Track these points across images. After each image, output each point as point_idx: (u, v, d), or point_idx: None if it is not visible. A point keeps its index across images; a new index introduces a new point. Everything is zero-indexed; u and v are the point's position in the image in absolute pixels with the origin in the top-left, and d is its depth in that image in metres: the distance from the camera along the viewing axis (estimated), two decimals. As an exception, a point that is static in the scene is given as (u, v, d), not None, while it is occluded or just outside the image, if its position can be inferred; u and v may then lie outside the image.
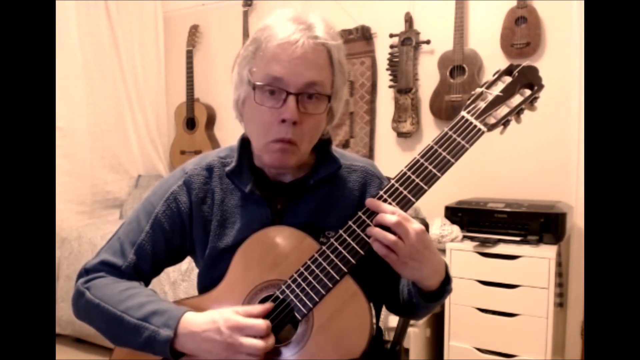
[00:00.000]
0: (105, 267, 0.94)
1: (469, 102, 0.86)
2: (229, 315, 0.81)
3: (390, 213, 0.81)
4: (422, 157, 0.84)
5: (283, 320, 0.85)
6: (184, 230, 0.97)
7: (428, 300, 0.88)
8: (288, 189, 0.96)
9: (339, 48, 0.89)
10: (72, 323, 2.63)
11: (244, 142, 0.98)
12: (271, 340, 0.81)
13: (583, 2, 2.13)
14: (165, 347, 0.82)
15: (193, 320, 0.83)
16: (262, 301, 0.87)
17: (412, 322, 1.96)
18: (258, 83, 0.86)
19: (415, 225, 0.80)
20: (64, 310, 2.66)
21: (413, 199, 0.83)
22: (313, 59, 0.85)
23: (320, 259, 0.84)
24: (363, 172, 1.00)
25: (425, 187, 0.82)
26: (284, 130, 0.85)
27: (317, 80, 0.85)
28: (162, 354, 0.84)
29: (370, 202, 0.84)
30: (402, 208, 0.83)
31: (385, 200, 0.84)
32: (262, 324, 0.80)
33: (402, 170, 0.85)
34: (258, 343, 0.79)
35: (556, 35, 2.31)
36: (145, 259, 0.95)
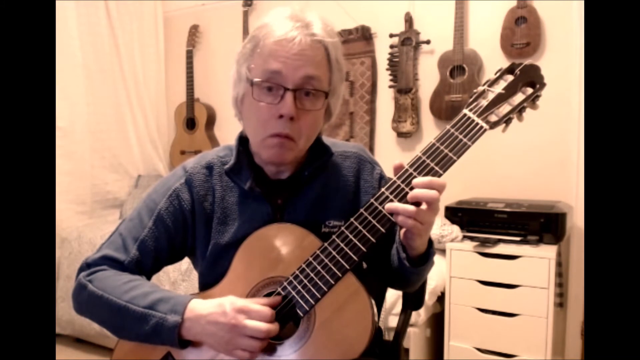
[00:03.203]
0: (107, 262, 0.94)
1: (471, 99, 0.86)
2: (235, 299, 0.83)
3: (423, 186, 0.80)
4: (424, 154, 0.84)
5: (285, 317, 0.85)
6: (186, 227, 0.98)
7: (418, 265, 0.89)
8: (287, 184, 0.97)
9: (336, 46, 0.91)
10: (72, 323, 2.63)
11: (242, 141, 0.99)
12: (275, 326, 0.82)
13: (583, 2, 2.13)
14: (173, 333, 0.83)
15: (199, 305, 0.84)
16: None
17: (412, 322, 1.96)
18: (256, 79, 0.87)
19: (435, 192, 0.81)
20: (64, 310, 2.66)
21: None
22: (310, 55, 0.86)
23: (322, 256, 0.85)
24: (356, 158, 1.02)
25: None
26: (281, 125, 0.87)
27: (314, 75, 0.87)
28: (169, 341, 0.84)
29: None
30: None
31: (387, 197, 0.84)
32: (268, 310, 0.82)
33: (404, 168, 0.85)
34: (262, 325, 0.80)
35: (556, 35, 2.31)
36: (147, 255, 0.95)
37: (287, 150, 0.90)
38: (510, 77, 0.86)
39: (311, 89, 0.88)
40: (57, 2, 2.62)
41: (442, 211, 2.24)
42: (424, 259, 0.90)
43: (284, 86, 0.86)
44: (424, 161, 0.84)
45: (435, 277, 2.12)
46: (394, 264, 0.94)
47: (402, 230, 0.86)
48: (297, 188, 0.96)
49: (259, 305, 0.82)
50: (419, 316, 2.06)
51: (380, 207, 0.84)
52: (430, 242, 0.90)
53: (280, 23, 0.87)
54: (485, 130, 0.83)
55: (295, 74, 0.86)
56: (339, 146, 1.02)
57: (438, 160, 0.83)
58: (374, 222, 0.84)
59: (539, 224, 2.05)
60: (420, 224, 0.81)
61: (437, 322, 2.26)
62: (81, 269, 0.95)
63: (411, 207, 0.80)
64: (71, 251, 2.74)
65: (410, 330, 2.00)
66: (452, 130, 0.84)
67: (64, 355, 2.62)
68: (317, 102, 0.89)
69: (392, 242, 0.98)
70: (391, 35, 2.62)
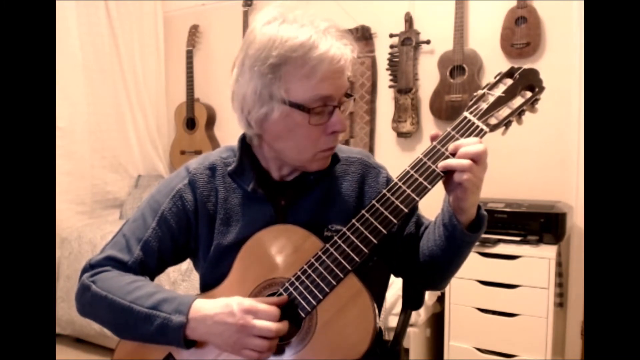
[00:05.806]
0: (111, 263, 0.94)
1: (471, 103, 0.87)
2: (242, 300, 0.83)
3: (471, 143, 0.81)
4: (425, 156, 0.85)
5: (286, 317, 0.85)
6: (190, 228, 0.98)
7: (475, 229, 0.88)
8: (290, 186, 0.97)
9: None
10: (72, 323, 2.63)
11: (244, 143, 0.99)
12: (283, 325, 0.82)
13: (583, 2, 2.13)
14: (179, 333, 0.83)
15: (204, 305, 0.84)
16: None
17: (412, 322, 1.96)
18: (309, 105, 0.84)
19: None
20: (64, 310, 2.66)
21: (417, 198, 0.83)
22: (346, 66, 0.87)
23: (324, 257, 0.85)
24: (360, 164, 1.02)
25: (429, 186, 0.83)
26: (331, 140, 0.89)
27: (348, 85, 0.89)
28: (174, 341, 0.84)
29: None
30: (406, 207, 0.84)
31: (388, 199, 0.84)
32: (275, 309, 0.82)
33: (405, 170, 0.85)
34: (271, 325, 0.80)
35: (556, 35, 2.31)
36: (151, 256, 0.95)
37: (330, 157, 0.94)
38: (509, 81, 0.87)
39: (347, 98, 0.90)
40: (57, 2, 2.63)
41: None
42: (477, 224, 0.88)
43: (333, 105, 0.87)
44: (425, 163, 0.84)
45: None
46: (438, 246, 0.91)
47: (453, 195, 0.84)
48: (301, 190, 0.96)
49: (266, 305, 0.82)
50: (419, 316, 2.07)
51: (382, 209, 0.84)
52: (479, 206, 0.89)
53: (327, 44, 0.83)
54: (485, 132, 0.84)
55: (339, 92, 0.87)
56: (343, 151, 1.02)
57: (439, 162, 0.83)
58: (375, 223, 0.84)
59: (539, 224, 2.05)
60: (475, 177, 0.80)
61: (437, 322, 2.26)
62: (84, 270, 0.95)
63: (466, 161, 0.80)
64: (71, 251, 2.74)
65: (410, 330, 2.00)
66: (453, 132, 0.85)
67: (64, 355, 2.62)
68: (349, 106, 0.92)
69: (413, 241, 0.99)
70: (391, 35, 2.62)
